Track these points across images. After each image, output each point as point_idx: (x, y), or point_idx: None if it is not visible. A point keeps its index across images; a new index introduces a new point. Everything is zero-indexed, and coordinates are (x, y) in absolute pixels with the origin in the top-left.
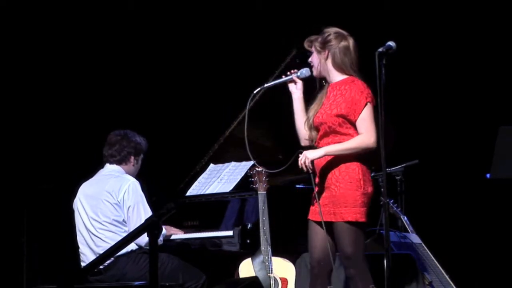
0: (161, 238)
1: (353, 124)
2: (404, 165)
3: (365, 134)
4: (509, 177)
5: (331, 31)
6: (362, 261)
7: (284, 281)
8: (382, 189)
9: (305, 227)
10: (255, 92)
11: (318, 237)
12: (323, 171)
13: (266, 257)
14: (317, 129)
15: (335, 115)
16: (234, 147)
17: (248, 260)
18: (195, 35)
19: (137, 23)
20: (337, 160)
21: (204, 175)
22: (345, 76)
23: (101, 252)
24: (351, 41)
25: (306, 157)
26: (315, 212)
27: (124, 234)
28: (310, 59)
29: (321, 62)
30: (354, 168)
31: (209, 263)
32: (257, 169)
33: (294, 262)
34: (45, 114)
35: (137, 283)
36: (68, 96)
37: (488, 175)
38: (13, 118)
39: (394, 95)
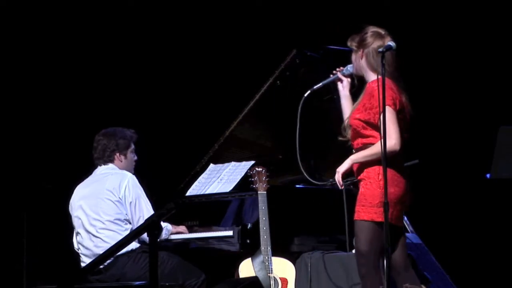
0: (166, 233)
1: (376, 127)
2: (403, 165)
3: (388, 139)
4: (509, 177)
5: (369, 29)
6: (376, 261)
7: (284, 281)
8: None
9: (305, 227)
10: (305, 95)
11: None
12: (355, 173)
13: (266, 257)
14: (351, 129)
15: (358, 119)
16: (234, 147)
17: (248, 260)
18: (195, 35)
19: (137, 24)
20: (363, 162)
21: (204, 175)
22: (376, 77)
23: (101, 252)
24: (387, 41)
25: (337, 172)
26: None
27: (125, 233)
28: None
29: (357, 60)
30: (375, 168)
31: (209, 263)
32: (257, 169)
33: (294, 262)
34: (45, 114)
35: (137, 283)
36: (68, 96)
37: (488, 175)
38: (13, 118)
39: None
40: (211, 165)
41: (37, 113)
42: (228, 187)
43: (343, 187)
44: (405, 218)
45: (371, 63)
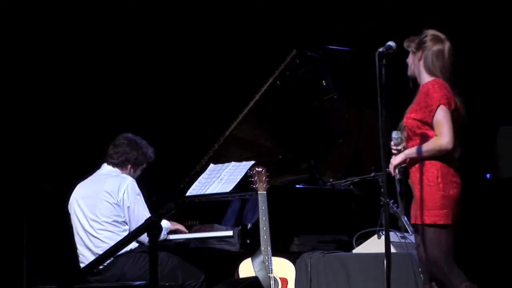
0: (164, 232)
1: (431, 126)
2: (404, 165)
3: (439, 136)
4: (509, 177)
5: (429, 33)
6: (447, 262)
7: (284, 281)
8: (382, 189)
9: (305, 227)
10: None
11: (417, 239)
12: (410, 175)
13: (266, 257)
14: (405, 130)
15: (413, 119)
16: (234, 147)
17: (248, 260)
18: (195, 36)
19: (138, 24)
20: (419, 163)
21: (204, 175)
22: (431, 78)
23: (100, 252)
24: (447, 45)
25: (391, 164)
26: (412, 216)
27: (123, 234)
28: (407, 59)
29: (414, 62)
30: (433, 171)
31: (209, 263)
32: (257, 169)
33: (294, 262)
34: (45, 114)
35: (137, 283)
36: (68, 96)
37: (488, 175)
38: (14, 118)
39: (394, 95)
40: (211, 165)
41: (37, 113)
42: (228, 187)
43: (398, 176)
44: (405, 218)
45: (428, 66)
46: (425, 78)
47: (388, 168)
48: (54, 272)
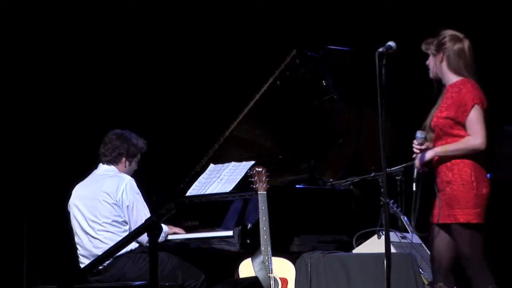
0: (163, 235)
1: (463, 126)
2: (404, 165)
3: (472, 135)
4: (509, 177)
5: (447, 33)
6: (480, 261)
7: (284, 281)
8: (382, 189)
9: (305, 227)
10: None
11: (435, 239)
12: (439, 174)
13: (266, 257)
14: (433, 131)
15: (445, 118)
16: (234, 147)
17: (248, 260)
18: (195, 36)
19: (138, 24)
20: (450, 162)
21: (204, 175)
22: (459, 78)
23: (100, 253)
24: (466, 44)
25: (418, 160)
26: (434, 214)
27: (124, 234)
28: (427, 62)
29: (436, 64)
30: (466, 170)
31: (209, 263)
32: (257, 169)
33: (294, 262)
34: (45, 114)
35: (137, 283)
36: (68, 96)
37: (488, 175)
38: (14, 118)
39: (394, 95)
40: (211, 165)
41: (37, 113)
42: (228, 187)
43: (422, 171)
44: (405, 218)
45: (453, 66)
46: (452, 78)
47: (415, 165)
48: (54, 272)
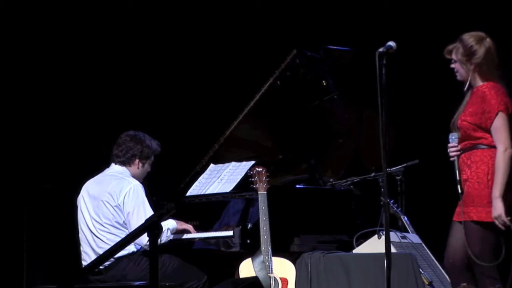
0: (168, 234)
1: (488, 131)
2: (404, 165)
3: (499, 146)
4: None
5: (472, 41)
6: (489, 260)
7: (284, 281)
8: (382, 189)
9: (305, 227)
10: None
11: (452, 237)
12: (462, 173)
13: (266, 257)
14: (459, 130)
15: (468, 122)
16: (234, 147)
17: (248, 260)
18: (195, 36)
19: (138, 26)
20: (470, 160)
21: (204, 175)
22: (485, 82)
23: (102, 252)
24: (490, 43)
25: (499, 217)
26: (456, 213)
27: None
28: (452, 65)
29: (466, 71)
30: (483, 168)
31: (210, 263)
32: (257, 169)
33: (294, 262)
34: (46, 114)
35: (137, 283)
36: (69, 96)
37: None
38: (14, 118)
39: (394, 95)
40: (211, 165)
41: (37, 113)
42: (228, 187)
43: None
44: (405, 218)
45: (484, 71)
46: (478, 81)
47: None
48: (54, 272)
